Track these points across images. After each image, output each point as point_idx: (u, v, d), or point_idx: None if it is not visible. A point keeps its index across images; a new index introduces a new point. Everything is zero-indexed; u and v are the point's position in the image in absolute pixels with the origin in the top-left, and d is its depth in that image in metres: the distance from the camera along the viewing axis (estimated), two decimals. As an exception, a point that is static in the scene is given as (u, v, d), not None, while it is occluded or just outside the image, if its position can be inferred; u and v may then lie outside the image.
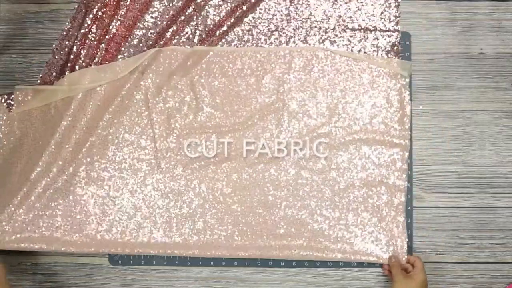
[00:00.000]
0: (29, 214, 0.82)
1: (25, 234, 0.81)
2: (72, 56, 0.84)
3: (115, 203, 0.83)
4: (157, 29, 0.85)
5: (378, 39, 0.83)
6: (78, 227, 0.82)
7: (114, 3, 0.84)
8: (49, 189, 0.82)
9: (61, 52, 0.84)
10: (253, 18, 0.84)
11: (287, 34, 0.84)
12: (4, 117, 0.85)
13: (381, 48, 0.83)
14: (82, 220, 0.82)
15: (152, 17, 0.85)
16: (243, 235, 0.82)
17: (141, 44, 0.85)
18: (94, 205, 0.83)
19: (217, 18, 0.85)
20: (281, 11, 0.84)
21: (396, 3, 0.83)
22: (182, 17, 0.84)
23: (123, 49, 0.85)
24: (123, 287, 0.84)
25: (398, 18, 0.82)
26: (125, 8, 0.85)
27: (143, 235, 0.82)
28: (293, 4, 0.84)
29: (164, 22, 0.85)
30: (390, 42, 0.82)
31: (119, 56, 0.85)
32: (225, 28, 0.84)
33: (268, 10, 0.84)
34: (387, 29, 0.83)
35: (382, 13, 0.83)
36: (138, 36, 0.85)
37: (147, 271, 0.83)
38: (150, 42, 0.85)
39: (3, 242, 0.81)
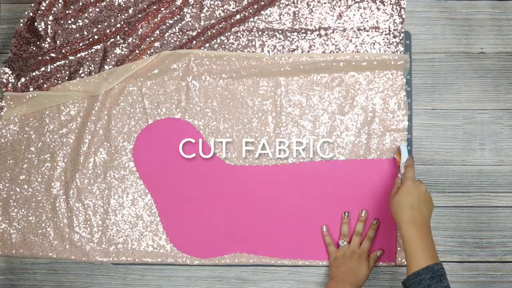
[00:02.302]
0: (30, 223, 0.82)
1: (27, 243, 0.82)
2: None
3: (116, 213, 0.83)
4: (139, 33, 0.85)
5: (380, 42, 0.83)
6: (80, 237, 0.82)
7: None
8: (49, 199, 0.83)
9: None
10: (254, 21, 0.84)
11: (289, 38, 0.84)
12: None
13: (381, 44, 0.83)
14: (84, 230, 0.82)
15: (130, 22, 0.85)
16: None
17: (123, 52, 0.85)
18: (95, 215, 0.82)
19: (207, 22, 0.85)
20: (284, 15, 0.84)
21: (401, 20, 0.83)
22: (167, 21, 0.85)
23: (110, 56, 0.85)
24: (124, 286, 0.84)
25: (401, 25, 0.82)
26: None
27: (145, 243, 0.82)
28: (297, 8, 0.84)
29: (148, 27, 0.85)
30: (394, 42, 0.83)
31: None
32: (213, 31, 0.84)
33: (270, 14, 0.85)
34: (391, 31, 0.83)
35: (387, 20, 0.83)
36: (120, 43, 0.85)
37: (148, 270, 0.83)
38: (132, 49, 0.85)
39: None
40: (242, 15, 0.84)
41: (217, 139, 0.83)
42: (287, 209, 0.82)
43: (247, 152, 0.83)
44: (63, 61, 0.84)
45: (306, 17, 0.84)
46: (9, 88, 0.84)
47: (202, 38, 0.84)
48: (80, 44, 0.85)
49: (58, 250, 0.82)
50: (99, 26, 0.85)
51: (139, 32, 0.84)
